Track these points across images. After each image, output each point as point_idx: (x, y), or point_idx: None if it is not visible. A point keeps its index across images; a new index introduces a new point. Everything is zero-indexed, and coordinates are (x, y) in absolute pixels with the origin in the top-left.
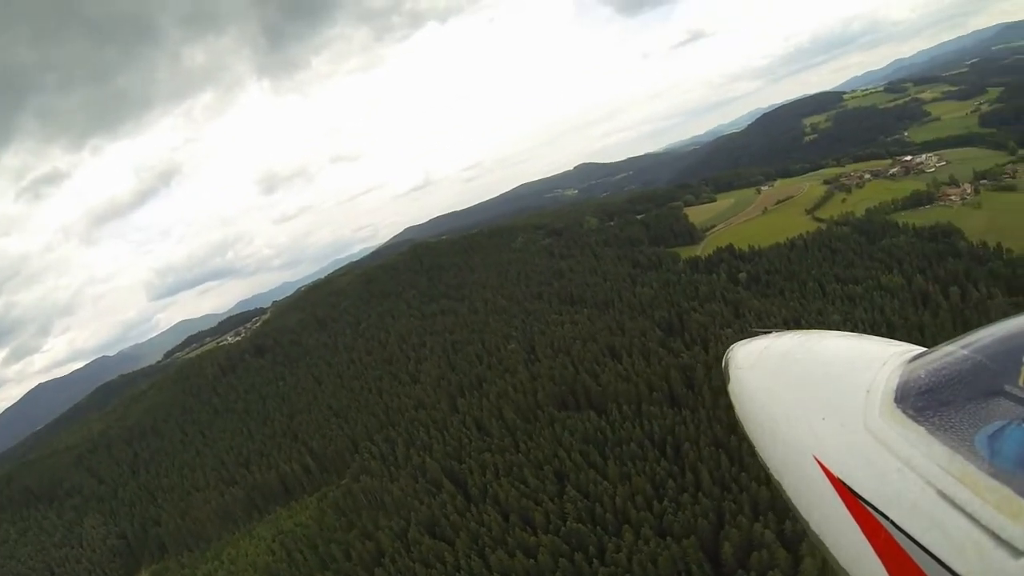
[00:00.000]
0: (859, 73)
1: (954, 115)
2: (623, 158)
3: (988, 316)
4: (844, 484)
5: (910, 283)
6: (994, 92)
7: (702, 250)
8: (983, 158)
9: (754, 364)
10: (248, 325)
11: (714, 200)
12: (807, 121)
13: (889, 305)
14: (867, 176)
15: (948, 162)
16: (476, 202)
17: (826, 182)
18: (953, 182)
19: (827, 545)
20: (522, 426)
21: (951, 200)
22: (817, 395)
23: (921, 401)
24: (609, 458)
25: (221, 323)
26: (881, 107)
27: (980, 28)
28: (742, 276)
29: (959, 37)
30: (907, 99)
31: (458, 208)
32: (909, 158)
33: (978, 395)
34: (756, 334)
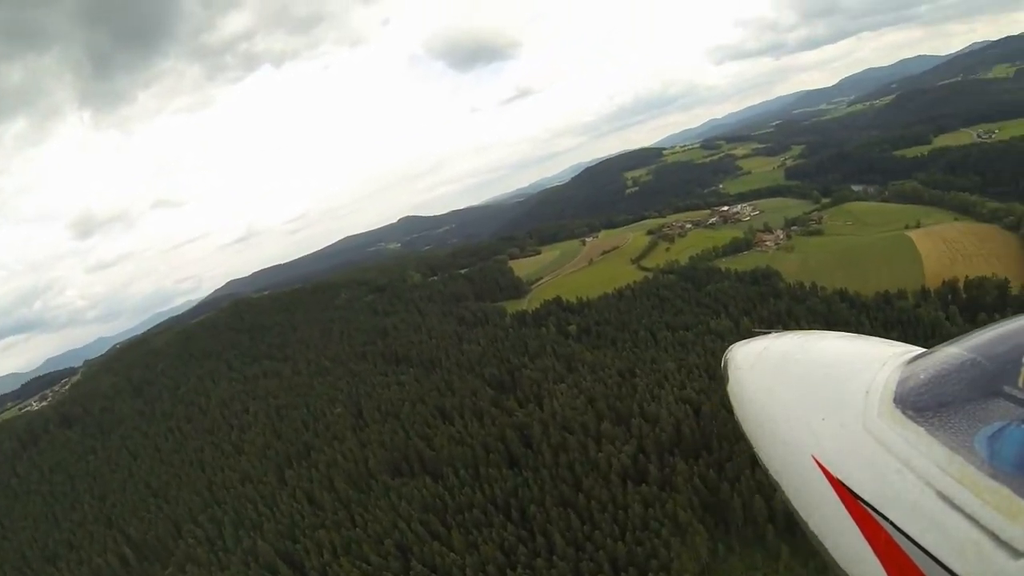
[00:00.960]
0: (676, 131)
1: (763, 169)
2: (447, 211)
3: None
4: (843, 484)
5: (738, 325)
6: (797, 149)
7: (529, 304)
8: (792, 207)
9: (753, 364)
10: (56, 388)
11: (539, 252)
12: (629, 175)
13: (720, 348)
14: (688, 226)
15: (761, 211)
16: (300, 255)
17: (650, 232)
18: (767, 229)
19: (826, 546)
20: (356, 497)
21: (767, 246)
22: (816, 396)
23: (920, 402)
24: (452, 527)
25: (26, 384)
26: (698, 162)
27: (783, 95)
28: (572, 328)
29: (765, 102)
30: (721, 155)
31: (282, 261)
32: (726, 208)
33: (977, 396)
34: (756, 335)
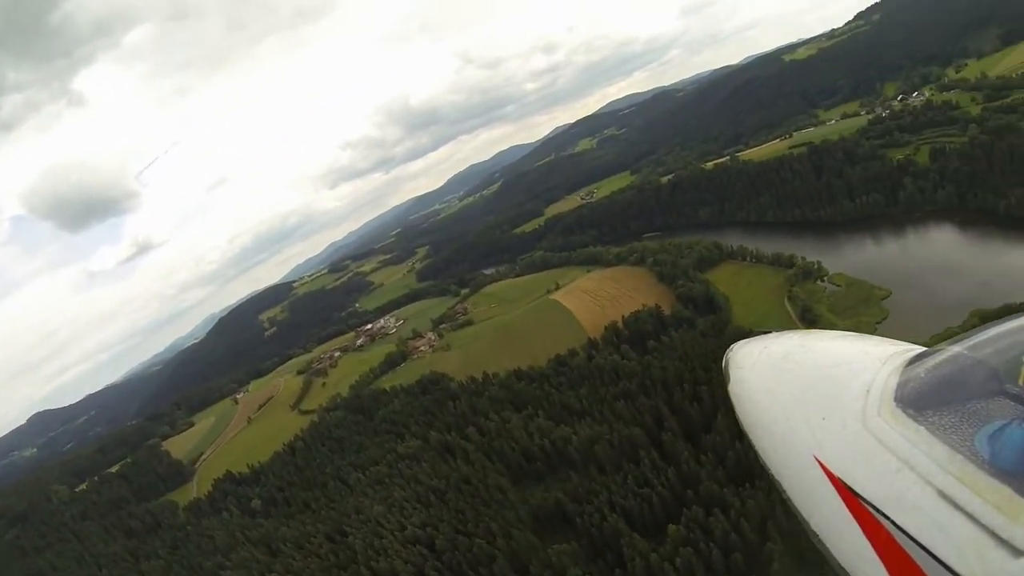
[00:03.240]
0: (301, 261)
1: (394, 278)
2: (82, 396)
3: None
4: (844, 484)
5: (427, 440)
6: (422, 251)
7: (199, 487)
8: (434, 306)
9: (754, 364)
10: None
11: (192, 424)
12: (264, 316)
13: (419, 470)
14: (337, 354)
15: (405, 319)
16: None
17: (300, 372)
18: (418, 335)
19: (827, 545)
20: None
21: (422, 351)
22: (817, 395)
23: (921, 401)
24: None
25: None
26: (329, 287)
27: (397, 204)
28: (256, 503)
29: (381, 214)
30: (350, 275)
31: None
32: (369, 326)
33: (978, 395)
34: (756, 334)
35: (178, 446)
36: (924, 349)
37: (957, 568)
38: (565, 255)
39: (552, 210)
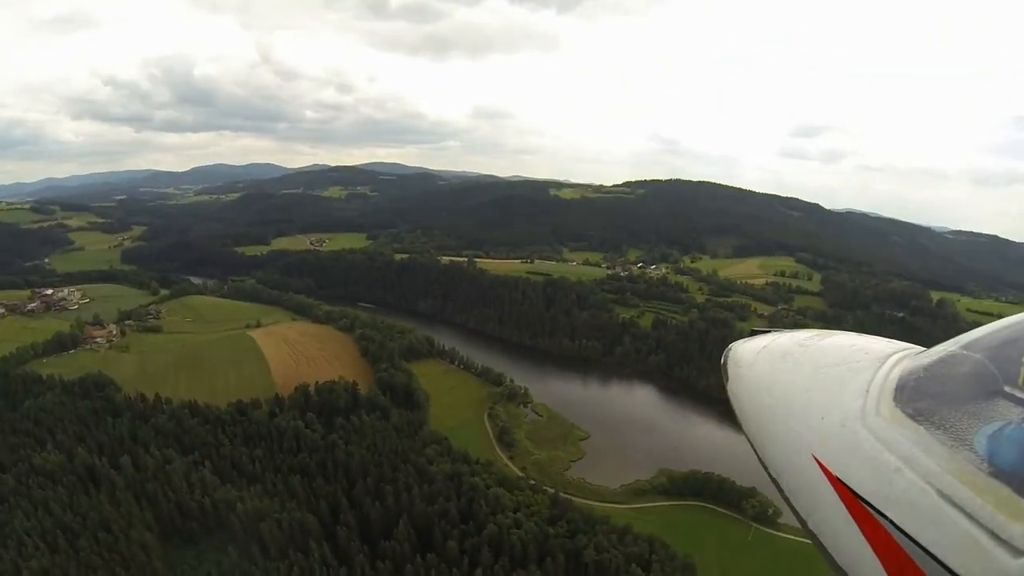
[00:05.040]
0: (7, 183)
1: (99, 247)
2: None
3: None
4: (843, 483)
5: (72, 459)
6: (138, 230)
7: None
8: (127, 296)
9: (753, 363)
10: None
11: None
12: None
13: (52, 496)
14: (2, 311)
15: (92, 299)
16: None
17: None
18: (98, 322)
19: (826, 545)
20: None
21: (97, 343)
22: (816, 394)
23: (921, 401)
24: None
25: None
26: (24, 226)
27: (133, 169)
28: None
29: (113, 172)
30: (54, 223)
31: None
32: (51, 292)
33: (978, 395)
34: (756, 333)
35: None
36: (924, 349)
37: (956, 568)
38: (277, 294)
39: (280, 243)
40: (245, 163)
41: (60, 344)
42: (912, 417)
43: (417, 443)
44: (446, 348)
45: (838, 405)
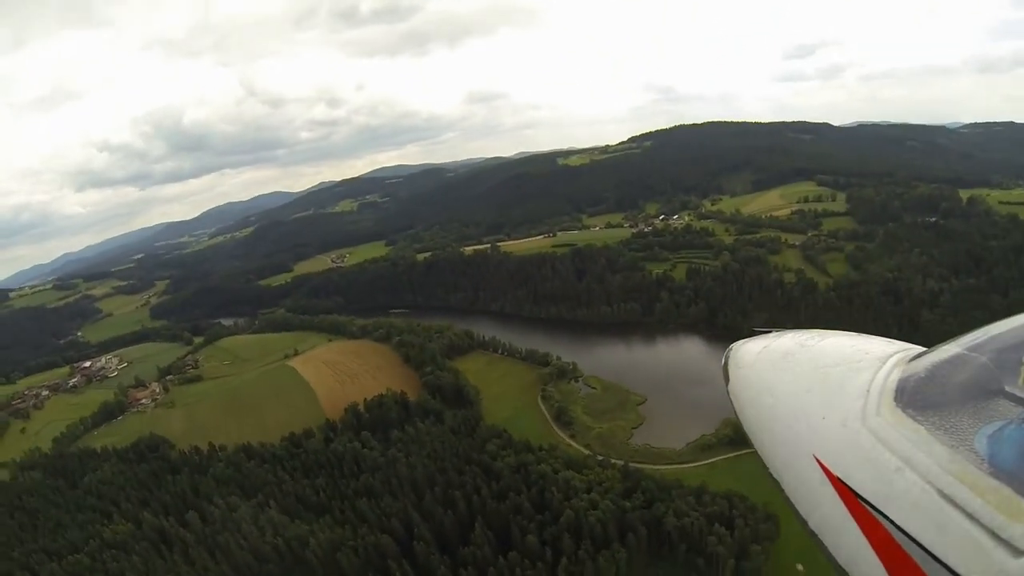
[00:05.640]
0: (27, 267)
1: (126, 309)
2: None
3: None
4: (844, 483)
5: (140, 525)
6: (161, 285)
7: None
8: (163, 352)
9: (754, 363)
10: None
11: None
12: None
13: (128, 566)
14: (45, 393)
15: (129, 362)
16: None
17: None
18: (140, 383)
19: (827, 544)
20: None
21: (143, 404)
22: (817, 394)
23: (921, 400)
24: None
25: None
26: (51, 306)
27: (145, 226)
28: None
29: (126, 233)
30: (78, 296)
31: None
32: (88, 364)
33: (978, 395)
34: (756, 334)
35: None
36: (924, 349)
37: (956, 568)
38: (308, 318)
39: (301, 267)
40: (252, 196)
41: (107, 413)
42: (913, 417)
43: (477, 441)
44: (486, 338)
45: (839, 405)
